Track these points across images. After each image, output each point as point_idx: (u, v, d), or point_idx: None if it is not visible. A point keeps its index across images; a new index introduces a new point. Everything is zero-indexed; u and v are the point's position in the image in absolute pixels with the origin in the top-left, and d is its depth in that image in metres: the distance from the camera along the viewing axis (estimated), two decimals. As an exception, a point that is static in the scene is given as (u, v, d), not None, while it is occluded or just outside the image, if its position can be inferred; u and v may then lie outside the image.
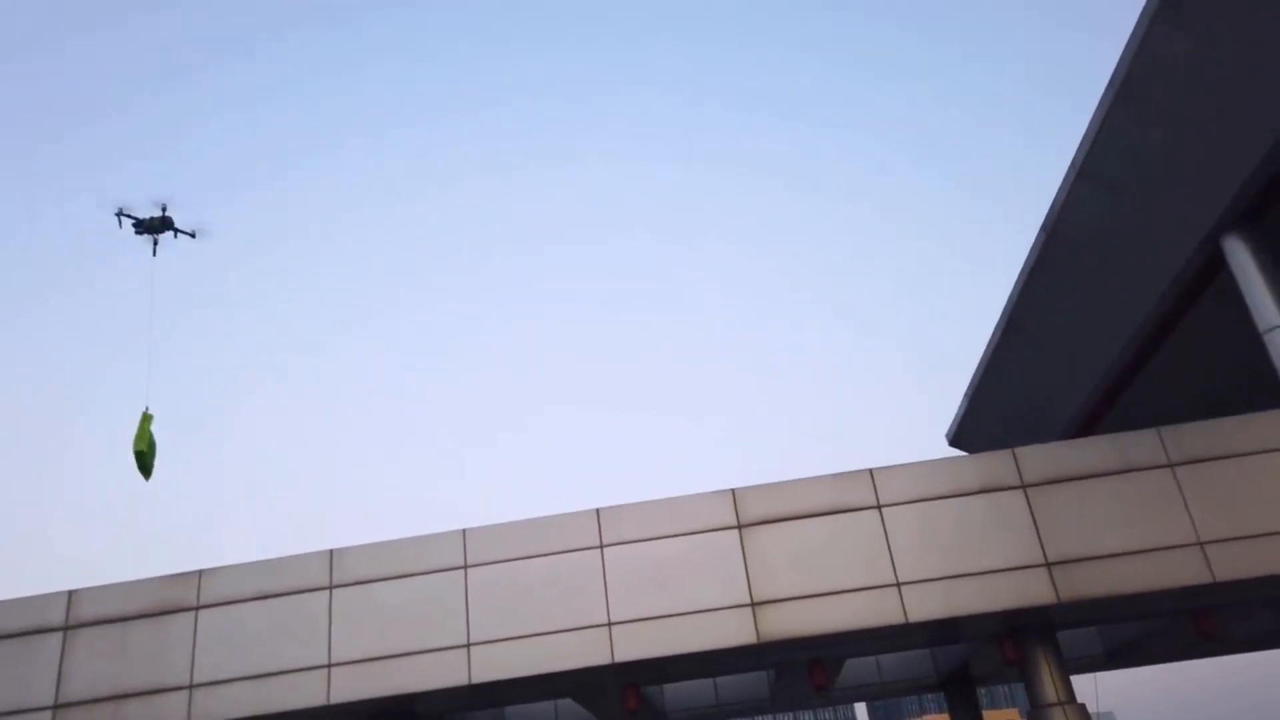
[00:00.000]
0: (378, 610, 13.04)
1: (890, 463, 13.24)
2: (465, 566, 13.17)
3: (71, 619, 13.33)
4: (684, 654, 12.37)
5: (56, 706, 12.85)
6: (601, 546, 13.05)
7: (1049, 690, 13.28)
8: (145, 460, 17.65)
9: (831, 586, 12.46)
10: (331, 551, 13.51)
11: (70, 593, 13.48)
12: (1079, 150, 13.63)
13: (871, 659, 21.78)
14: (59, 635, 13.23)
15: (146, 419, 17.63)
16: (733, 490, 13.17)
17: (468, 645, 12.67)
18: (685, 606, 12.53)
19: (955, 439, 23.63)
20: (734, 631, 12.35)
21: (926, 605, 12.24)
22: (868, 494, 12.99)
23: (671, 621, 12.49)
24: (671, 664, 13.07)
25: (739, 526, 12.94)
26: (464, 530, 13.40)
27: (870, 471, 13.13)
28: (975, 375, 20.82)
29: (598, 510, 13.28)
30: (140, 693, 12.81)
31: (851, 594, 12.41)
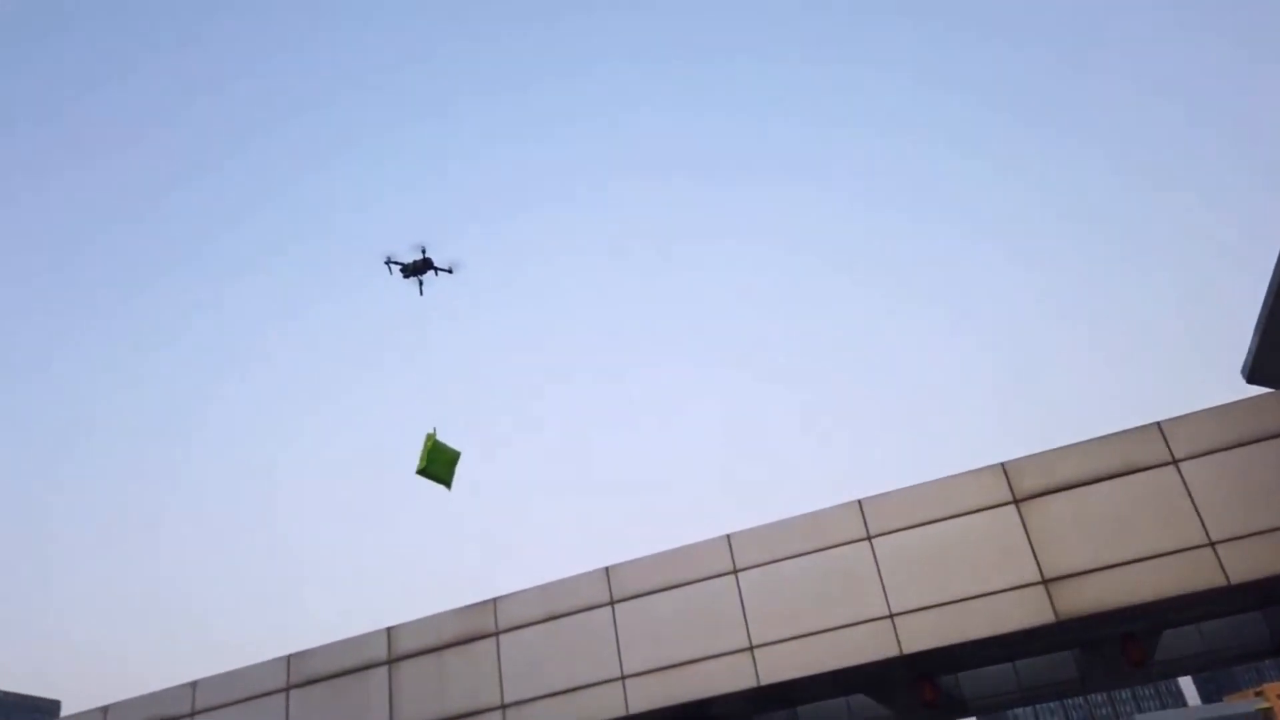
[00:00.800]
0: (658, 621, 13.43)
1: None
2: (735, 571, 13.30)
3: (393, 653, 14.76)
4: (973, 640, 11.79)
5: (393, 732, 14.28)
6: (870, 538, 12.73)
7: None
8: (439, 474, 19.00)
9: (1131, 554, 11.43)
10: (607, 569, 14.09)
11: (389, 629, 14.95)
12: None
13: (1192, 627, 19.72)
14: (384, 669, 14.69)
15: (429, 439, 19.00)
16: (1003, 464, 12.43)
17: (750, 648, 12.76)
18: (969, 591, 11.95)
19: (1253, 375, 20.98)
20: (1027, 613, 11.62)
21: (1250, 563, 10.94)
22: (1159, 450, 11.83)
23: (956, 608, 11.95)
24: (963, 652, 12.49)
25: (1015, 501, 12.18)
26: (728, 536, 13.54)
27: (1159, 425, 11.95)
28: (1266, 300, 18.40)
29: (859, 502, 12.98)
30: (460, 715, 13.95)
31: (1156, 560, 11.32)
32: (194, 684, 15.76)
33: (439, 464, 18.86)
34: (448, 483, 19.07)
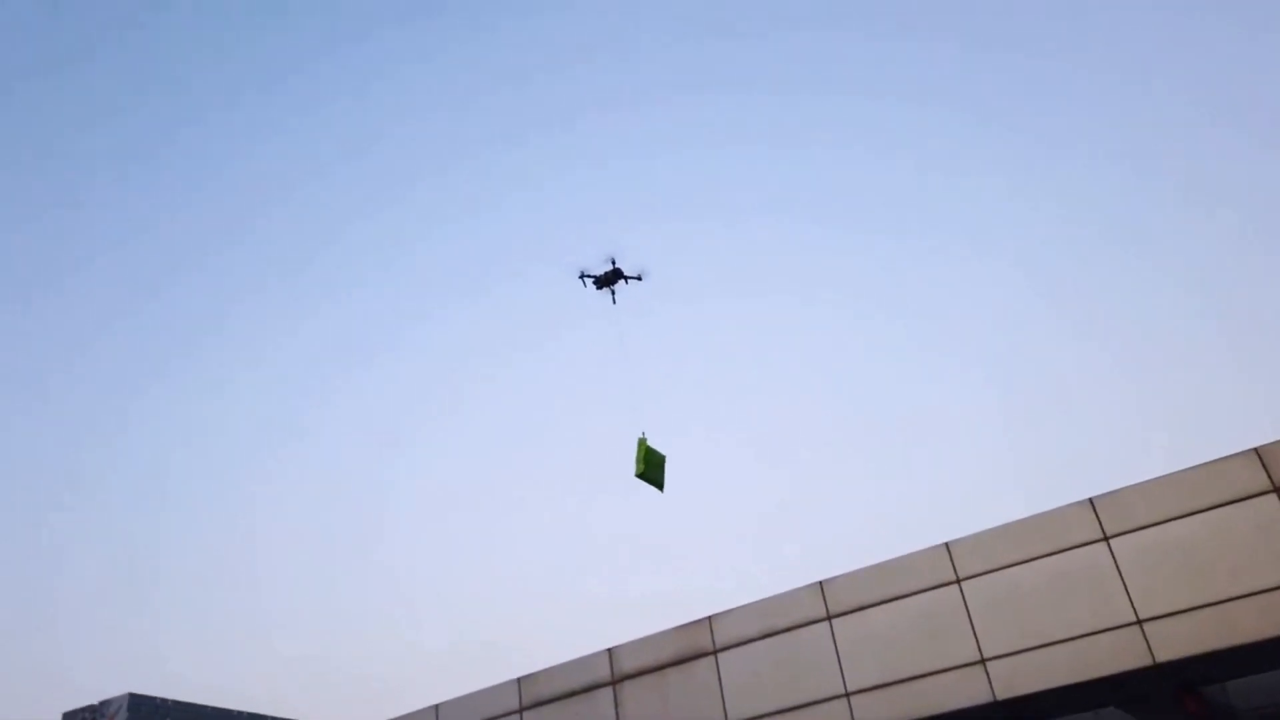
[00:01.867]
0: (878, 635, 12.98)
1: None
2: (958, 580, 12.65)
3: (616, 673, 15.07)
4: (1238, 646, 10.60)
5: (622, 751, 14.55)
6: (1106, 539, 11.76)
7: None
8: (654, 477, 19.41)
9: None
10: (821, 583, 13.78)
11: (609, 650, 15.28)
12: None
13: None
14: (610, 689, 15.01)
15: (642, 444, 19.43)
16: (1256, 449, 11.17)
17: (982, 661, 12.08)
18: (1230, 590, 10.77)
19: None
20: (1304, 613, 10.34)
21: None
22: None
23: (1216, 611, 10.80)
24: (1229, 658, 11.26)
25: (1276, 491, 10.90)
26: (947, 544, 12.92)
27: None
28: None
29: (1091, 500, 12.04)
30: (686, 734, 14.01)
31: None
32: (436, 707, 16.74)
33: (653, 467, 19.23)
34: (660, 485, 19.39)
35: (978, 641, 12.17)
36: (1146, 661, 11.02)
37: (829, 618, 13.55)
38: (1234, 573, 10.82)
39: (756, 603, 14.32)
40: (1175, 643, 10.93)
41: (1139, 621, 11.19)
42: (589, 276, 21.44)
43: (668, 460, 19.41)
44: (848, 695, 12.90)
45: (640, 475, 19.08)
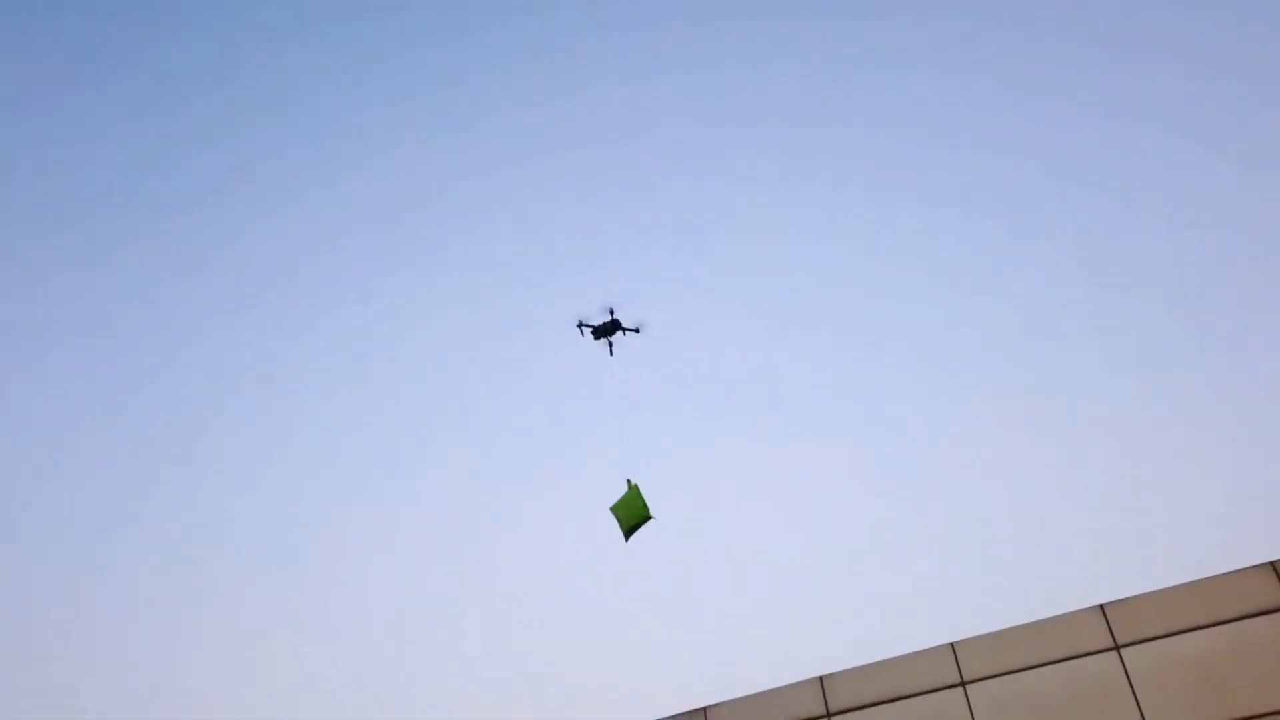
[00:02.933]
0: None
1: None
2: (963, 683, 12.34)
3: (604, 762, 14.49)
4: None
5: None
6: (1118, 648, 11.52)
7: None
8: (625, 520, 18.77)
9: None
10: (821, 678, 13.44)
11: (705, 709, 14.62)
12: None
13: None
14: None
15: (634, 489, 18.90)
16: (1272, 564, 11.05)
17: (985, 770, 11.69)
18: (1246, 709, 10.52)
19: None
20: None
21: None
22: None
23: (1231, 729, 10.52)
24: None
25: (1292, 605, 10.75)
26: (952, 644, 12.64)
27: None
28: None
29: (1102, 607, 11.84)
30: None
31: None
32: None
33: (632, 512, 18.67)
34: (626, 534, 18.76)
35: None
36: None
37: (828, 715, 13.16)
38: (1251, 690, 10.59)
39: (753, 695, 13.91)
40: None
41: (1150, 736, 10.90)
42: (587, 326, 21.25)
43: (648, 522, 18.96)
44: (846, 798, 12.44)
45: (614, 510, 18.64)
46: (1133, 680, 11.29)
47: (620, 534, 18.61)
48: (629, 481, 18.87)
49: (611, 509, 18.59)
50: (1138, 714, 11.09)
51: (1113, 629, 11.67)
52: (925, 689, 12.58)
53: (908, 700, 12.63)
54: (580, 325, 21.29)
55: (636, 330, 21.15)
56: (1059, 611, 12.20)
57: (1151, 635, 11.40)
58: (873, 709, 12.83)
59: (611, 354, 21.30)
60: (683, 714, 14.22)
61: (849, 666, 13.42)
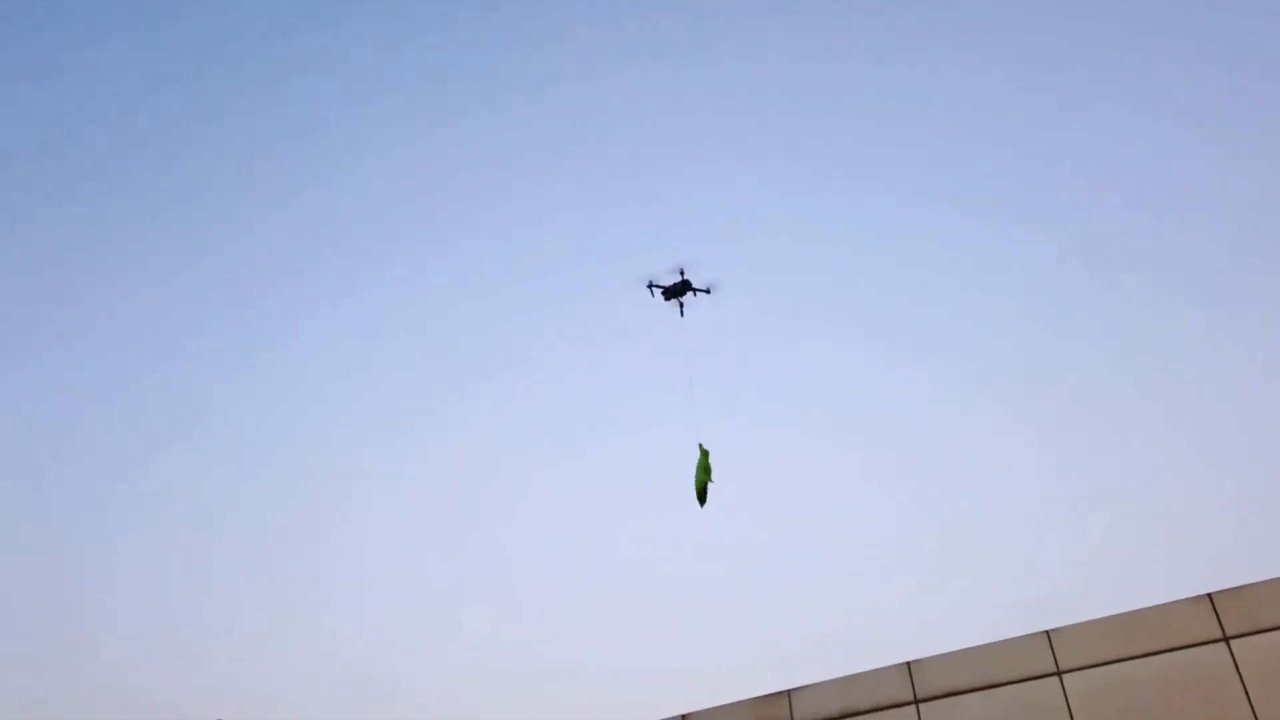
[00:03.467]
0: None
1: None
2: (1059, 672, 11.95)
3: (687, 742, 14.56)
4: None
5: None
6: (1226, 639, 10.98)
7: None
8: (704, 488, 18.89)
9: None
10: (909, 664, 13.18)
11: (683, 716, 14.78)
12: None
13: None
14: (681, 757, 14.49)
15: (704, 454, 18.97)
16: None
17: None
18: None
19: None
20: None
21: None
22: None
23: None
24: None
25: None
26: (1048, 632, 12.23)
27: None
28: None
29: (1210, 596, 11.30)
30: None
31: None
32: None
33: (704, 477, 18.83)
34: (701, 499, 18.84)
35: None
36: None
37: (916, 701, 12.90)
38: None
39: (839, 679, 13.73)
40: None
41: (1262, 732, 10.37)
42: (657, 287, 21.06)
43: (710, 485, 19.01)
44: (934, 786, 12.20)
45: (698, 486, 18.75)
46: (1243, 674, 10.75)
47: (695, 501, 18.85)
48: (700, 446, 18.95)
49: (696, 474, 18.80)
50: (1249, 709, 10.56)
51: (1221, 619, 11.13)
52: (1018, 678, 12.22)
53: (999, 689, 12.29)
54: (650, 285, 21.14)
55: (708, 291, 20.90)
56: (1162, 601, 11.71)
57: (1266, 626, 10.83)
58: (962, 696, 12.53)
59: (682, 314, 21.10)
60: (766, 695, 14.13)
61: (938, 653, 13.14)
